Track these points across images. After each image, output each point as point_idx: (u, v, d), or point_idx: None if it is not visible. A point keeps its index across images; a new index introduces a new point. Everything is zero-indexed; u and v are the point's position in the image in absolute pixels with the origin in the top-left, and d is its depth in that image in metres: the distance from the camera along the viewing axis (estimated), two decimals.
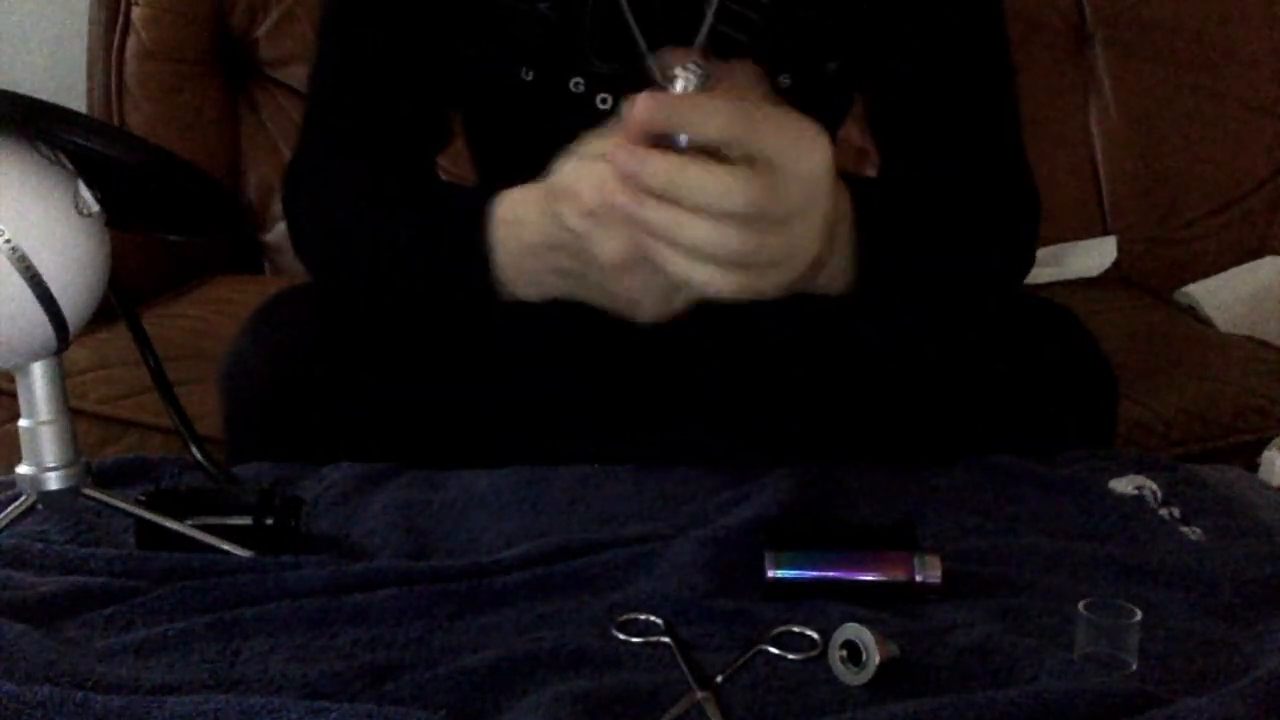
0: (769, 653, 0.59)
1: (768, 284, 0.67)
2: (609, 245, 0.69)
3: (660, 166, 0.63)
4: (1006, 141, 0.95)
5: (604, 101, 0.89)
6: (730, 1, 0.88)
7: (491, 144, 1.02)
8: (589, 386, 0.87)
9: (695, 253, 0.65)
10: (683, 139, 0.64)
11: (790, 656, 0.59)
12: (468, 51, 0.92)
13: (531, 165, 0.75)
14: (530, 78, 0.91)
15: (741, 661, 0.58)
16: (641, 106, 0.64)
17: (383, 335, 0.87)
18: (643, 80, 0.82)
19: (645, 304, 0.74)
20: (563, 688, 0.55)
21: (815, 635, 0.60)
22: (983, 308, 0.87)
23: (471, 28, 0.91)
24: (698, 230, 0.64)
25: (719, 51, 0.88)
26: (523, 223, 0.76)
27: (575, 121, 0.74)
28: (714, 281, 0.66)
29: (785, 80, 0.90)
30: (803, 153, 0.65)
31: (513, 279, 0.79)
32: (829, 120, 0.90)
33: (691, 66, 0.65)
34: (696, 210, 0.63)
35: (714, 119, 0.63)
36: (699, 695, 0.55)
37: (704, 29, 0.88)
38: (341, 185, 0.92)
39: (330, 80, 0.97)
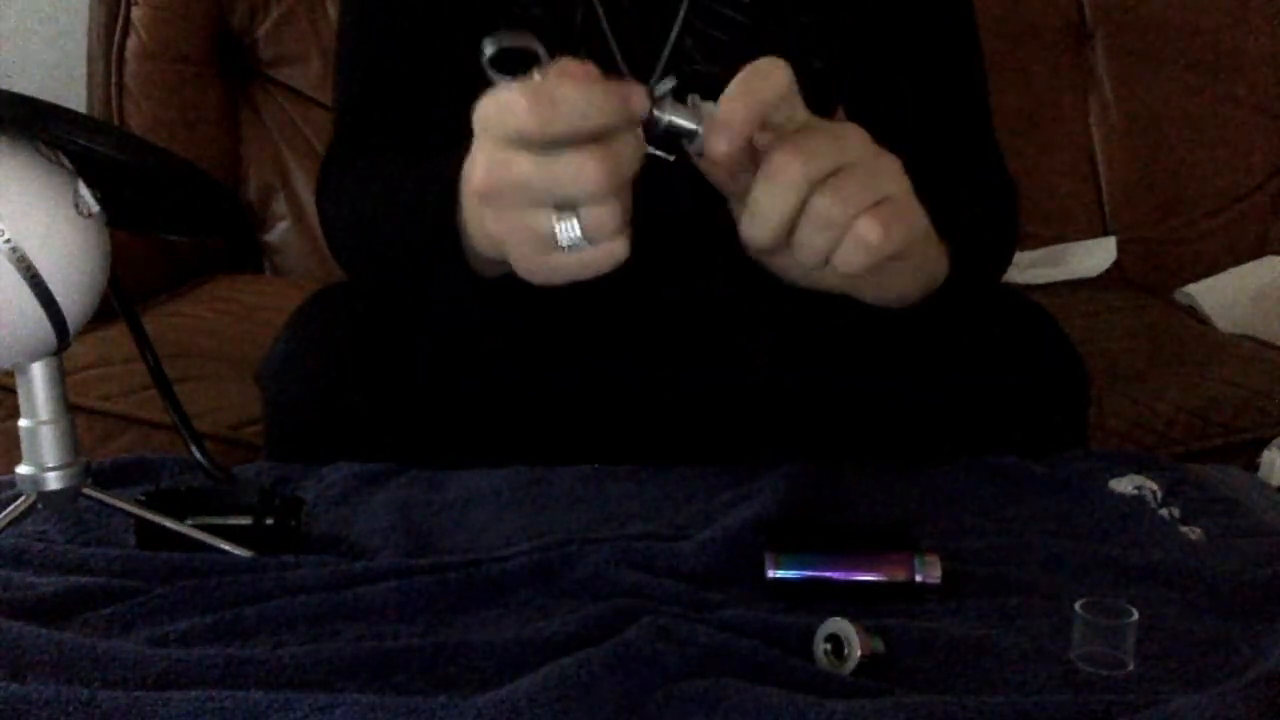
0: (752, 641, 0.58)
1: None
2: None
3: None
4: (985, 138, 0.95)
5: None
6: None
7: None
8: (592, 385, 0.87)
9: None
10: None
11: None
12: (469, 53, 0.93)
13: None
14: None
15: None
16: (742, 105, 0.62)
17: (415, 333, 0.86)
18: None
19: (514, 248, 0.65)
20: (566, 660, 0.55)
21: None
22: (963, 305, 0.86)
23: (474, 30, 0.91)
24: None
25: (698, 48, 0.88)
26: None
27: None
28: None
29: None
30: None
31: (471, 232, 0.73)
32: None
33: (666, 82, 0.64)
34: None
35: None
36: None
37: (677, 22, 0.88)
38: (354, 181, 0.92)
39: (353, 79, 0.97)
